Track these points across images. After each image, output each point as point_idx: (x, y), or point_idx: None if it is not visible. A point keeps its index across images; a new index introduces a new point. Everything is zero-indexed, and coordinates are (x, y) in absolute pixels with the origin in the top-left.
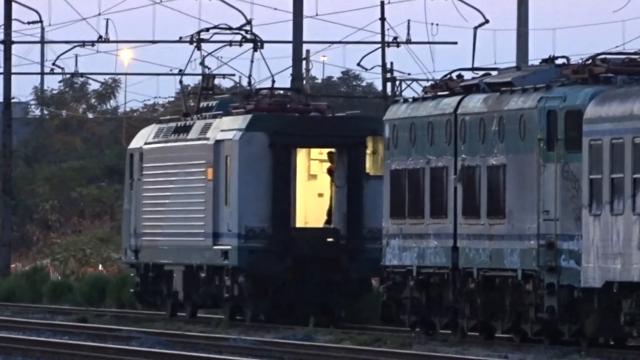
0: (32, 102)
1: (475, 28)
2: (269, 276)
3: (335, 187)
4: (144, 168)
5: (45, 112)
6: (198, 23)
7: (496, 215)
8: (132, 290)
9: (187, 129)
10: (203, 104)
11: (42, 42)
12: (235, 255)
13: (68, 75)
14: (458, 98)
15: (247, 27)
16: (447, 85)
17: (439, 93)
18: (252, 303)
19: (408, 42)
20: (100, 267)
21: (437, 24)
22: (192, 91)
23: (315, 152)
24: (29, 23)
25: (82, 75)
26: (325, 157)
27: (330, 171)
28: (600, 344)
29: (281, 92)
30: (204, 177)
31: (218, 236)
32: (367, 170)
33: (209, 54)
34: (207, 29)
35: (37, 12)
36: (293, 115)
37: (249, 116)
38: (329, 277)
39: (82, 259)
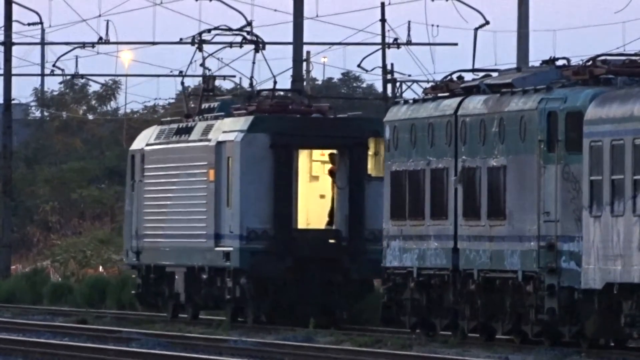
0: (33, 104)
1: (476, 29)
2: (270, 277)
3: (336, 188)
4: (146, 169)
5: (46, 113)
6: (198, 24)
7: (496, 216)
8: (133, 291)
9: (188, 131)
10: (204, 105)
11: (43, 43)
12: (237, 256)
13: (68, 77)
14: (458, 99)
15: (248, 29)
16: (448, 87)
17: (440, 94)
18: (254, 304)
19: (408, 43)
20: (100, 268)
21: (437, 25)
22: (193, 92)
23: (317, 154)
24: (29, 24)
25: (82, 76)
26: (326, 158)
27: (331, 172)
28: (600, 346)
29: (281, 93)
30: (205, 178)
31: (220, 237)
32: (369, 172)
33: (210, 55)
34: (209, 30)
35: (37, 13)
36: (295, 117)
37: (250, 117)
38: (330, 278)
39: (82, 261)
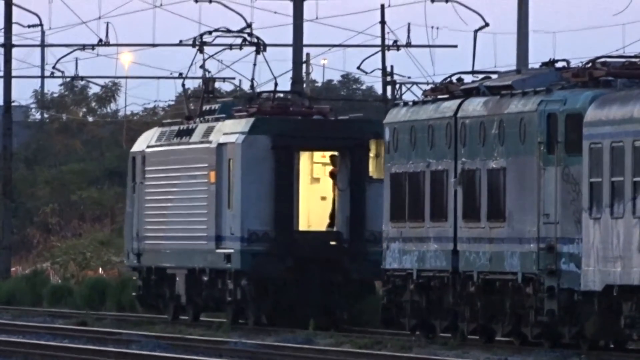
0: (33, 106)
1: (476, 31)
2: (271, 279)
3: (337, 190)
4: (147, 171)
5: (46, 115)
6: (198, 26)
7: (496, 218)
8: (134, 293)
9: (189, 132)
10: (205, 107)
11: (43, 45)
12: (238, 258)
13: (68, 79)
14: (458, 101)
15: (249, 31)
16: (447, 89)
17: (439, 96)
18: (255, 306)
19: (408, 45)
20: (100, 270)
21: (437, 27)
22: (193, 94)
23: (318, 155)
24: (29, 26)
25: (82, 78)
26: (327, 160)
27: (332, 174)
28: (600, 347)
29: (281, 95)
30: (206, 180)
31: (221, 239)
32: (370, 174)
33: (211, 56)
34: (210, 32)
35: (37, 15)
36: (296, 118)
37: (251, 119)
38: (331, 280)
39: (82, 262)
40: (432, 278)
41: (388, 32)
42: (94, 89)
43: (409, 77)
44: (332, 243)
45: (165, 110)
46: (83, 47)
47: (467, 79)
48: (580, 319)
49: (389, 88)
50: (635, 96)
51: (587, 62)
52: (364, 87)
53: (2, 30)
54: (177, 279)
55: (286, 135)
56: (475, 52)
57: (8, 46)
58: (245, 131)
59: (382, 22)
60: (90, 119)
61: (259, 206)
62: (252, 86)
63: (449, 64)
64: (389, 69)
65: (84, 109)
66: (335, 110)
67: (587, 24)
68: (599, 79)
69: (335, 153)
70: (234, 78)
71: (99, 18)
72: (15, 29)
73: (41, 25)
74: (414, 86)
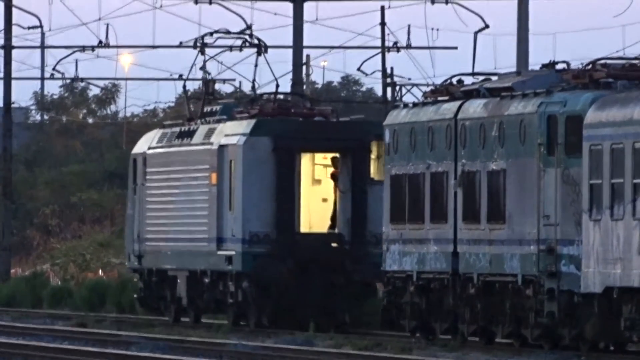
0: (33, 107)
1: (476, 33)
2: (273, 281)
3: (339, 192)
4: (148, 173)
5: (46, 117)
6: (198, 28)
7: (496, 220)
8: (135, 295)
9: (190, 134)
10: (207, 108)
11: (42, 47)
12: (239, 260)
13: (68, 80)
14: (458, 103)
15: (250, 32)
16: (448, 90)
17: (439, 98)
18: (256, 308)
19: (408, 47)
20: (100, 272)
21: (437, 29)
22: (193, 96)
23: (320, 157)
24: (29, 28)
25: (82, 80)
26: (329, 162)
27: (334, 176)
28: (600, 349)
29: (281, 97)
30: (207, 182)
31: (222, 241)
32: (372, 175)
33: (211, 57)
34: (211, 34)
35: (37, 17)
36: (297, 120)
37: (252, 121)
38: (332, 281)
39: (82, 264)
40: (432, 280)
41: (388, 34)
42: (94, 91)
43: (409, 79)
44: (334, 245)
45: (165, 112)
46: (83, 48)
47: (467, 80)
48: (580, 321)
49: (389, 90)
50: (635, 98)
51: (587, 64)
52: (364, 88)
53: (2, 32)
54: (178, 280)
55: (287, 136)
56: (476, 54)
57: (8, 48)
58: (247, 133)
59: (382, 24)
60: (90, 120)
61: (260, 208)
62: (253, 88)
63: (449, 66)
64: (389, 71)
65: (84, 111)
66: (336, 112)
67: (587, 26)
68: (599, 80)
69: (337, 155)
70: (234, 80)
71: (99, 19)
72: (15, 30)
73: (41, 26)
74: (414, 88)
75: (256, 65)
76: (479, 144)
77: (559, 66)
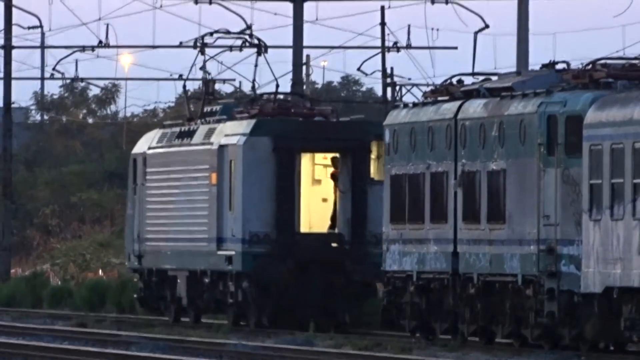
0: (33, 107)
1: (476, 33)
2: (273, 281)
3: (339, 192)
4: (148, 173)
5: (46, 117)
6: (198, 28)
7: (496, 220)
8: (135, 295)
9: (190, 134)
10: (207, 108)
11: (42, 47)
12: (239, 260)
13: (68, 80)
14: (458, 103)
15: (250, 32)
16: (448, 90)
17: (439, 98)
18: (256, 308)
19: (408, 47)
20: (100, 272)
21: (437, 29)
22: (193, 96)
23: (320, 157)
24: (29, 28)
25: (82, 80)
26: (329, 162)
27: (334, 176)
28: (600, 349)
29: (281, 97)
30: (207, 182)
31: (222, 241)
32: (372, 175)
33: (212, 57)
34: (211, 34)
35: (37, 17)
36: (297, 120)
37: (253, 121)
38: (333, 281)
39: (82, 264)
40: (432, 280)
41: (388, 34)
42: (94, 91)
43: (409, 79)
44: (334, 245)
45: (165, 112)
46: (83, 48)
47: (467, 80)
48: (580, 321)
49: (389, 90)
50: (635, 98)
51: (587, 64)
52: (364, 88)
53: (2, 32)
54: (178, 280)
55: (287, 136)
56: (476, 54)
57: (8, 48)
58: (247, 133)
59: (382, 24)
60: (90, 120)
61: (260, 208)
62: (253, 87)
63: (449, 66)
64: (389, 71)
65: (84, 111)
66: (336, 112)
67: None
68: (599, 80)
69: (337, 155)
70: (234, 80)
71: (99, 19)
72: (15, 30)
73: (41, 26)
74: (414, 88)
75: (256, 65)
76: (479, 144)
77: (559, 66)
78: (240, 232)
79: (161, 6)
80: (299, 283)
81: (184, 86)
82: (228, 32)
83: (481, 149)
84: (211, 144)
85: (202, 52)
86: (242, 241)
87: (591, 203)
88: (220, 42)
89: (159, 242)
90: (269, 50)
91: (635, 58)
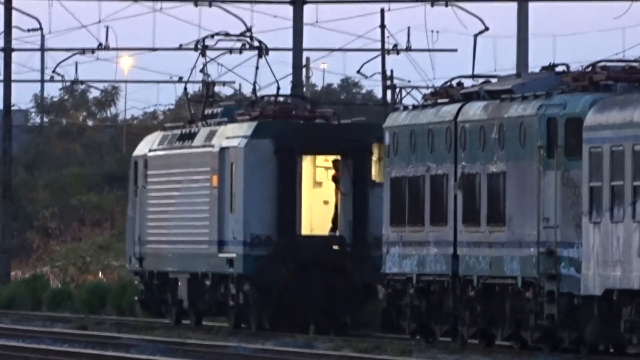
0: (32, 110)
1: (476, 35)
2: (274, 284)
3: (340, 194)
4: (149, 175)
5: (45, 119)
6: (198, 30)
7: (496, 222)
8: (136, 298)
9: (191, 136)
10: (208, 111)
11: (42, 49)
12: (241, 262)
13: (68, 83)
14: (458, 105)
15: (250, 34)
16: (447, 93)
17: (439, 100)
18: (257, 311)
19: (408, 49)
20: (100, 274)
21: (437, 31)
22: (193, 98)
23: (321, 159)
24: (29, 30)
25: (82, 82)
26: (330, 164)
27: (335, 178)
28: (600, 352)
29: (281, 99)
30: (208, 184)
31: (223, 244)
32: (373, 178)
33: (212, 59)
34: (212, 36)
35: (37, 19)
36: (298, 122)
37: (254, 123)
38: (334, 284)
39: (82, 267)
40: (432, 282)
41: (388, 36)
42: (93, 93)
43: (409, 81)
44: (335, 247)
45: (165, 114)
46: (83, 51)
47: (467, 83)
48: (580, 324)
49: (388, 92)
50: (635, 100)
51: (587, 66)
52: (363, 91)
53: (2, 34)
54: (180, 283)
55: (289, 139)
56: (475, 56)
57: (8, 50)
58: (248, 135)
59: (382, 26)
60: (90, 123)
61: (262, 210)
62: (254, 90)
63: (449, 68)
64: (388, 73)
65: (84, 113)
66: (337, 114)
67: (587, 28)
68: (599, 83)
69: (338, 157)
70: (234, 82)
71: (99, 22)
72: (15, 33)
73: (41, 29)
74: (414, 90)
75: (257, 68)
76: (478, 146)
77: (559, 69)
78: (242, 235)
79: (161, 8)
80: (300, 285)
81: (185, 88)
82: (227, 35)
83: (481, 151)
84: (212, 146)
85: (203, 55)
86: (243, 243)
87: (591, 205)
88: (220, 44)
89: (160, 245)
90: (269, 52)
91: (635, 60)
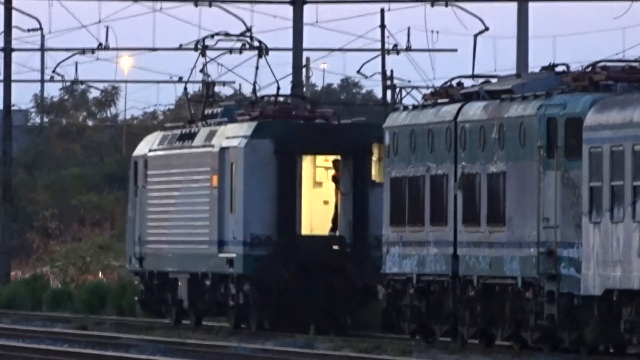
0: (32, 110)
1: (476, 35)
2: (274, 284)
3: (340, 194)
4: (149, 175)
5: (45, 119)
6: (198, 31)
7: (496, 222)
8: (136, 298)
9: (191, 136)
10: (208, 111)
11: (42, 49)
12: (241, 262)
13: (68, 83)
14: (458, 105)
15: (250, 34)
16: (447, 93)
17: (439, 100)
18: (258, 311)
19: (408, 49)
20: (100, 274)
21: (437, 31)
22: (193, 98)
23: (321, 160)
24: (29, 30)
25: (82, 82)
26: (330, 164)
27: (335, 179)
28: (600, 352)
29: (281, 99)
30: (209, 184)
31: (223, 244)
32: (373, 178)
33: (212, 59)
34: (212, 36)
35: (37, 19)
36: (298, 122)
37: (254, 123)
38: (334, 284)
39: (82, 267)
40: (432, 282)
41: (388, 36)
42: (93, 93)
43: (409, 81)
44: (335, 247)
45: (165, 115)
46: (83, 51)
47: (467, 83)
48: (580, 324)
49: (388, 92)
50: (635, 100)
51: (587, 66)
52: (363, 91)
53: (2, 34)
54: (180, 283)
55: (289, 139)
56: (475, 56)
57: (8, 50)
58: (248, 135)
59: (382, 26)
60: (90, 123)
61: (262, 210)
62: (254, 90)
63: (449, 68)
64: (388, 73)
65: (84, 113)
66: (337, 114)
67: (587, 28)
68: (599, 83)
69: (338, 157)
70: (234, 82)
71: (99, 22)
72: (15, 33)
73: (41, 29)
74: (414, 90)
75: (257, 67)
76: (478, 146)
77: (559, 69)
78: (242, 235)
79: (161, 8)
80: (300, 286)
81: (185, 88)
82: (227, 35)
83: (481, 151)
84: (212, 146)
85: (203, 55)
86: (244, 244)
87: (591, 205)
88: (220, 44)
89: (160, 245)
90: (269, 52)
91: (635, 60)
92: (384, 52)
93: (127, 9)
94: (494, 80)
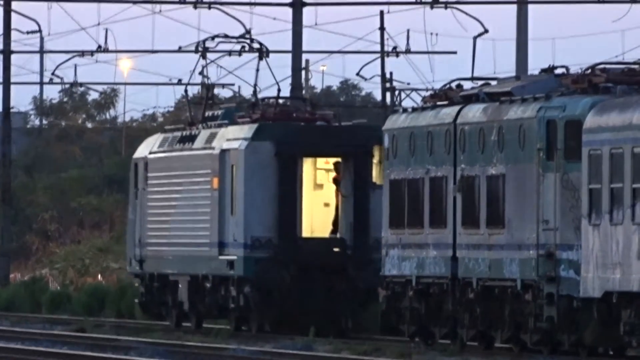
0: (32, 112)
1: (475, 38)
2: (274, 286)
3: (341, 196)
4: (149, 177)
5: (45, 122)
6: (197, 33)
7: (495, 225)
8: (136, 300)
9: (192, 139)
10: (208, 113)
11: (42, 51)
12: (241, 265)
13: (67, 85)
14: (457, 108)
15: (250, 37)
16: (447, 95)
17: (438, 103)
18: (258, 313)
19: (407, 51)
20: (99, 277)
21: (436, 34)
22: (193, 101)
23: (322, 162)
24: (28, 33)
25: (81, 85)
26: (331, 166)
27: (336, 181)
28: (599, 354)
29: (282, 101)
30: (209, 186)
31: (223, 246)
32: (374, 180)
33: (212, 61)
34: (212, 38)
35: (36, 22)
36: (299, 125)
37: (254, 125)
38: (334, 286)
39: (81, 269)
40: (432, 284)
41: (387, 39)
42: (93, 95)
43: (408, 84)
44: (336, 250)
45: (164, 117)
46: (82, 53)
47: (467, 85)
48: (579, 326)
49: (388, 94)
50: (634, 103)
51: (587, 69)
52: (363, 93)
53: (1, 37)
54: (180, 285)
55: (289, 141)
56: (475, 59)
57: (7, 52)
58: (249, 137)
59: (382, 29)
60: (89, 125)
61: (262, 212)
62: (254, 92)
63: (448, 70)
64: (388, 75)
65: (83, 116)
66: (338, 117)
67: (586, 31)
68: (599, 85)
69: (339, 159)
70: (233, 84)
71: (98, 24)
72: (14, 35)
73: (40, 31)
74: (413, 92)
75: (258, 70)
76: (478, 148)
77: (558, 71)
78: (242, 237)
79: (160, 11)
80: (301, 288)
81: (185, 90)
82: (226, 37)
83: (480, 153)
84: (213, 148)
85: (203, 57)
86: (244, 246)
87: (590, 208)
88: (220, 46)
89: (161, 247)
90: (269, 54)
91: (635, 63)
92: (383, 54)
93: (127, 11)
94: (493, 83)
